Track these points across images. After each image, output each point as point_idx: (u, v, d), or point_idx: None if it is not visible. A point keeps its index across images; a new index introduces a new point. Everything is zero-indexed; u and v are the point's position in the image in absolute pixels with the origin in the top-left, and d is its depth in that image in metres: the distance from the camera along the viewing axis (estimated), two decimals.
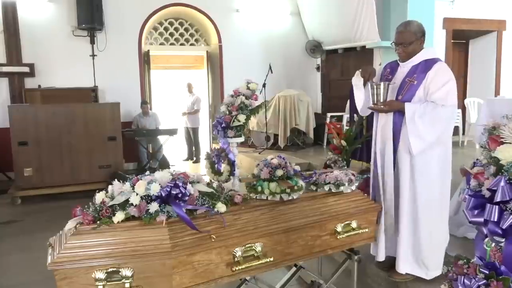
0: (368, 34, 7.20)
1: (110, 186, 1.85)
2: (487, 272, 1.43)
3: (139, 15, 7.71)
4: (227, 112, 2.28)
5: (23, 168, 5.83)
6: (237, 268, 1.86)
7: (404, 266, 2.76)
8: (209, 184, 2.02)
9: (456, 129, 7.55)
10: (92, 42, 7.42)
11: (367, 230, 2.34)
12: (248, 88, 2.31)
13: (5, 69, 6.92)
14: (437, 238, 2.73)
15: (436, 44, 7.37)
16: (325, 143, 7.90)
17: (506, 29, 8.35)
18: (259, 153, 7.28)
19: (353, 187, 2.39)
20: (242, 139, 2.32)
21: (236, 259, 1.89)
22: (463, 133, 7.69)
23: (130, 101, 7.58)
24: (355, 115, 3.85)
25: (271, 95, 7.76)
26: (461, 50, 8.81)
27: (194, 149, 8.89)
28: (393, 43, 2.74)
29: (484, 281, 1.41)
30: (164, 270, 1.71)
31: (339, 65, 8.62)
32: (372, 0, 6.93)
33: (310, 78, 9.11)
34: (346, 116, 7.34)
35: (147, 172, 1.90)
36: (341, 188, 2.32)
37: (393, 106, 2.64)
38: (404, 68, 2.73)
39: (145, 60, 8.06)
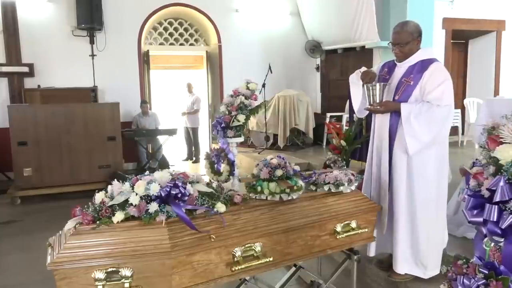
0: (368, 34, 7.21)
1: (109, 186, 1.85)
2: (487, 272, 1.43)
3: (138, 15, 7.71)
4: (227, 112, 2.28)
5: (22, 168, 5.83)
6: (236, 268, 1.87)
7: (403, 266, 2.76)
8: (208, 184, 2.02)
9: (455, 129, 7.56)
10: (92, 42, 7.42)
11: (366, 230, 2.34)
12: (247, 88, 2.31)
13: (5, 69, 6.91)
14: (435, 238, 2.73)
15: (435, 44, 7.37)
16: (324, 143, 7.91)
17: (506, 29, 8.35)
18: (259, 153, 7.28)
19: (353, 187, 2.39)
20: (241, 139, 2.32)
21: (235, 259, 1.89)
22: (463, 133, 7.69)
23: (130, 101, 7.57)
24: (354, 115, 3.86)
25: (270, 95, 7.76)
26: (460, 50, 8.82)
27: (193, 149, 8.89)
28: (390, 43, 2.75)
29: (484, 281, 1.41)
30: (164, 270, 1.71)
31: (339, 65, 8.62)
32: (372, 0, 6.94)
33: (309, 78, 9.12)
34: (345, 116, 7.35)
35: (147, 172, 1.90)
36: (341, 188, 2.32)
37: (389, 107, 2.65)
38: (401, 68, 2.74)
39: (144, 60, 8.06)
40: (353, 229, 2.28)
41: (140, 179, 1.82)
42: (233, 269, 1.86)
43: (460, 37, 8.47)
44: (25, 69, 7.04)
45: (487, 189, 1.48)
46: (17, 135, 5.78)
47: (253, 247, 1.94)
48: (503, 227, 1.41)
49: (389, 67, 2.84)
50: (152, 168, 7.20)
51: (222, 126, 2.28)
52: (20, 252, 4.06)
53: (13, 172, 6.07)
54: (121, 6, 7.53)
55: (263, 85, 7.00)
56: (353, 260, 2.42)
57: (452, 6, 7.84)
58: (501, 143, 1.53)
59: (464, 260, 1.52)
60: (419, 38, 2.69)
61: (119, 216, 1.73)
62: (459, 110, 7.86)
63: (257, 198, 2.14)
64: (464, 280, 1.46)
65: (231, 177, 2.29)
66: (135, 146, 7.60)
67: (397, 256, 2.75)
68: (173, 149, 8.97)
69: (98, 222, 1.72)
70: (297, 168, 2.25)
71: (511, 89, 8.24)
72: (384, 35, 7.02)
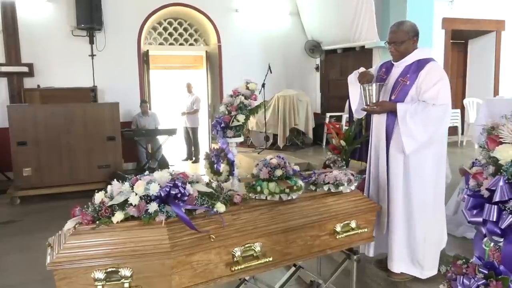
0: (367, 34, 7.21)
1: (109, 186, 1.84)
2: (486, 272, 1.43)
3: (138, 15, 7.71)
4: (226, 112, 2.28)
5: (22, 168, 5.83)
6: (236, 268, 1.87)
7: (398, 265, 2.76)
8: (208, 184, 2.02)
9: (455, 129, 7.56)
10: (91, 42, 7.42)
11: (366, 230, 2.34)
12: (247, 88, 2.31)
13: (4, 69, 6.91)
14: (432, 238, 2.73)
15: (435, 44, 7.37)
16: (324, 143, 7.90)
17: (505, 29, 8.35)
18: (258, 153, 7.28)
19: (352, 187, 2.39)
20: (241, 139, 2.32)
21: (235, 259, 1.89)
22: (462, 133, 7.69)
23: (129, 101, 7.57)
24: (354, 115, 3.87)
25: (270, 95, 7.76)
26: (460, 50, 8.82)
27: (193, 149, 8.89)
28: (386, 43, 2.77)
29: (483, 281, 1.41)
30: (163, 270, 1.71)
31: (338, 65, 8.62)
32: (371, 0, 6.94)
33: (309, 78, 9.12)
34: (345, 116, 7.35)
35: (146, 172, 1.90)
36: (340, 188, 2.32)
37: (385, 107, 2.66)
38: (398, 68, 2.75)
39: (144, 60, 8.05)
40: (352, 229, 2.27)
41: (140, 179, 1.82)
42: (233, 269, 1.86)
43: (460, 37, 8.47)
44: (25, 69, 7.04)
45: (486, 189, 1.48)
46: (16, 135, 5.78)
47: (252, 247, 1.94)
48: (502, 227, 1.41)
49: (387, 67, 2.86)
50: (151, 168, 7.19)
51: (221, 126, 2.28)
52: (19, 252, 4.06)
53: (12, 172, 6.07)
54: (120, 6, 7.53)
55: (263, 85, 7.00)
56: (352, 260, 2.42)
57: (452, 6, 7.84)
58: (501, 143, 1.53)
59: (464, 260, 1.52)
60: (415, 38, 2.70)
61: (118, 216, 1.73)
62: (458, 110, 7.87)
63: (256, 198, 2.14)
64: (464, 280, 1.46)
65: (230, 177, 2.29)
66: (134, 146, 7.60)
67: (392, 255, 2.75)
68: (172, 149, 8.97)
69: (97, 222, 1.72)
70: (297, 168, 2.25)
71: (510, 89, 8.24)
72: (383, 35, 7.02)
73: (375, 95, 2.63)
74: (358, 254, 2.43)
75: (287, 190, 2.13)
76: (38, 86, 7.00)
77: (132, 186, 1.79)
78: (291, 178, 2.17)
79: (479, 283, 1.41)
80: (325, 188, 2.31)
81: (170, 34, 8.43)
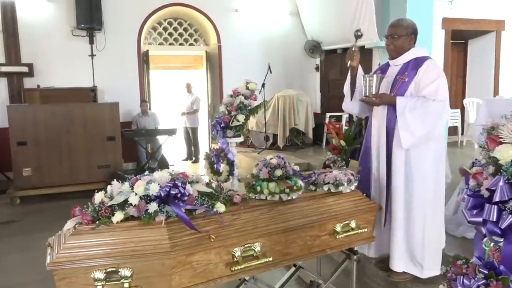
0: (367, 34, 7.18)
1: (109, 186, 1.84)
2: (486, 272, 1.43)
3: (138, 15, 7.71)
4: (226, 112, 2.28)
5: (22, 168, 5.83)
6: (236, 268, 1.87)
7: (398, 264, 2.75)
8: (208, 184, 2.02)
9: (455, 129, 7.57)
10: (91, 42, 7.42)
11: (366, 230, 2.34)
12: (247, 88, 2.31)
13: (4, 69, 6.91)
14: (431, 236, 2.72)
15: (435, 44, 7.35)
16: (324, 143, 7.90)
17: (505, 29, 8.35)
18: (258, 153, 7.28)
19: (352, 187, 2.39)
20: (241, 139, 2.32)
21: (235, 259, 1.89)
22: (462, 133, 7.69)
23: (129, 101, 7.57)
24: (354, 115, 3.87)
25: (270, 95, 7.76)
26: (460, 50, 8.82)
27: (193, 149, 8.89)
28: (384, 36, 2.79)
29: (484, 281, 1.41)
30: (163, 270, 1.71)
31: (338, 65, 8.61)
32: (371, 0, 6.94)
33: (309, 78, 9.12)
34: (345, 116, 7.35)
35: (146, 172, 1.90)
36: (340, 188, 2.32)
37: (384, 99, 2.65)
38: (395, 67, 2.76)
39: (144, 60, 8.05)
40: (352, 229, 2.28)
41: (140, 179, 1.82)
42: (233, 269, 1.86)
43: (460, 37, 8.47)
44: (25, 69, 7.03)
45: (486, 189, 1.48)
46: (16, 135, 5.78)
47: (252, 247, 1.94)
48: (502, 227, 1.41)
49: (382, 69, 2.88)
50: (151, 168, 7.19)
51: (221, 126, 2.28)
52: (19, 252, 4.06)
53: (12, 172, 6.07)
54: (120, 6, 7.53)
55: (263, 85, 7.00)
56: (352, 260, 2.42)
57: (452, 6, 7.84)
58: (501, 143, 1.52)
59: (464, 260, 1.52)
60: (413, 36, 2.71)
61: (118, 216, 1.73)
62: (458, 110, 7.88)
63: (256, 198, 2.14)
64: (464, 280, 1.46)
65: (230, 177, 2.29)
66: (134, 146, 7.60)
67: (393, 254, 2.75)
68: (172, 149, 8.97)
69: (97, 222, 1.72)
70: (297, 168, 2.25)
71: (510, 89, 8.24)
72: (383, 35, 7.02)
73: (375, 86, 2.62)
74: (358, 254, 2.42)
75: (287, 190, 2.13)
76: (38, 86, 7.00)
77: (132, 186, 1.79)
78: (291, 178, 2.17)
79: (479, 283, 1.41)
80: (325, 188, 2.31)
81: (170, 34, 8.43)
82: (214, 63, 8.58)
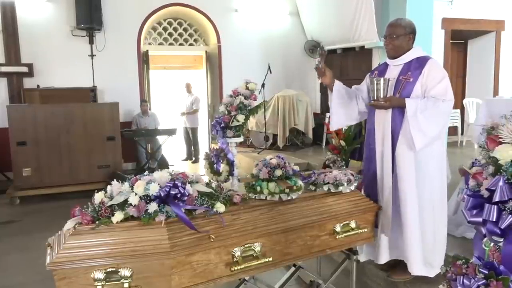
0: (367, 34, 7.20)
1: (109, 186, 1.84)
2: (486, 272, 1.43)
3: (138, 15, 7.70)
4: (226, 112, 2.28)
5: (21, 168, 5.82)
6: (236, 268, 1.86)
7: (418, 267, 2.70)
8: (208, 184, 2.02)
9: (454, 129, 7.56)
10: (91, 42, 7.42)
11: (366, 230, 2.34)
12: (247, 88, 2.31)
13: (4, 69, 6.91)
14: (440, 235, 2.73)
15: (434, 44, 7.33)
16: (324, 143, 7.90)
17: (505, 29, 8.35)
18: (258, 153, 7.28)
19: (352, 187, 2.39)
20: (241, 139, 2.32)
21: (235, 259, 1.89)
22: (462, 133, 7.69)
23: (129, 101, 7.57)
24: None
25: (270, 95, 7.75)
26: (459, 50, 8.82)
27: (193, 149, 8.89)
28: (383, 36, 2.77)
29: (484, 281, 1.41)
30: (163, 270, 1.71)
31: (338, 65, 8.60)
32: (371, 0, 6.94)
33: (309, 78, 9.11)
34: None
35: (146, 172, 1.90)
36: (340, 188, 2.32)
37: (393, 102, 2.61)
38: (395, 67, 2.73)
39: (144, 60, 8.05)
40: (352, 229, 2.27)
41: (140, 179, 1.82)
42: (233, 269, 1.86)
43: (459, 37, 8.47)
44: (24, 69, 7.03)
45: (486, 189, 1.48)
46: (16, 135, 5.78)
47: (252, 247, 1.94)
48: (502, 227, 1.41)
49: (380, 70, 2.83)
50: (151, 168, 7.19)
51: (221, 126, 2.28)
52: (19, 252, 4.06)
53: (12, 172, 6.07)
54: (120, 6, 7.53)
55: (263, 85, 7.00)
56: (352, 260, 2.42)
57: (451, 6, 7.84)
58: (501, 143, 1.53)
59: (464, 260, 1.52)
60: (411, 36, 2.70)
61: (118, 216, 1.73)
62: (458, 110, 7.87)
63: (256, 198, 2.14)
64: (464, 280, 1.46)
65: (230, 177, 2.29)
66: (134, 146, 7.60)
67: (411, 257, 2.69)
68: (172, 149, 8.97)
69: (97, 222, 1.72)
70: (297, 168, 2.25)
71: (510, 89, 8.24)
72: (383, 35, 7.02)
73: (383, 90, 2.59)
74: (357, 254, 2.42)
75: (287, 190, 2.13)
76: (38, 86, 6.99)
77: (132, 186, 1.79)
78: (291, 178, 2.17)
79: (479, 283, 1.41)
80: (325, 188, 2.31)
81: (170, 34, 8.43)
82: (214, 63, 8.58)
